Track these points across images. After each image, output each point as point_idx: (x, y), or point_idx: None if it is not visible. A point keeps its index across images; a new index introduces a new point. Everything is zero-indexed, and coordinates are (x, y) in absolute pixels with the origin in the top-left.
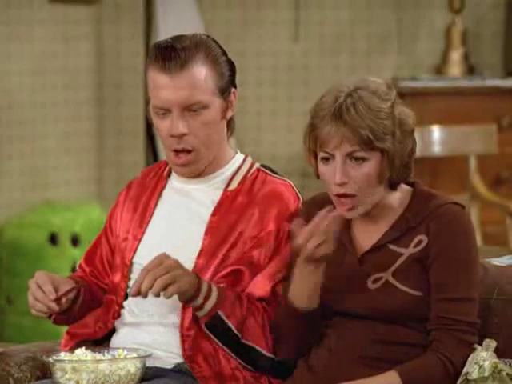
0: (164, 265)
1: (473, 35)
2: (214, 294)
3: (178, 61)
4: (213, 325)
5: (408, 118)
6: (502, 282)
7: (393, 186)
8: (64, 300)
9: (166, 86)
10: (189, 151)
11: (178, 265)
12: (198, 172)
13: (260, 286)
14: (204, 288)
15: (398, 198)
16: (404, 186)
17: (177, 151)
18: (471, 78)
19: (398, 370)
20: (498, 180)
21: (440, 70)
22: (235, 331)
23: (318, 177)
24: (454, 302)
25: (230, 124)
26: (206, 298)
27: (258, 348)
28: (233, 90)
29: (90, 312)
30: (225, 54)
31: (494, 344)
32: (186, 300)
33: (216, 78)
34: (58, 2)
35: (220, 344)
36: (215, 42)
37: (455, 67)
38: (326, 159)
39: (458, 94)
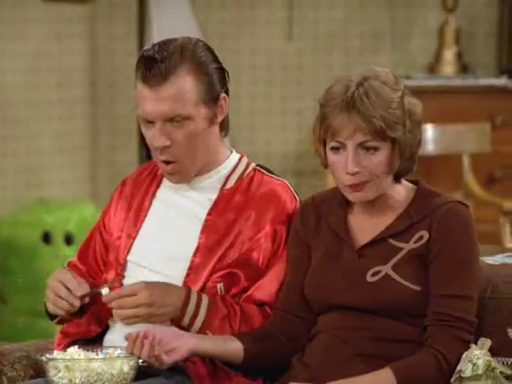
0: (147, 297)
1: (466, 34)
2: (203, 312)
3: (159, 72)
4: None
5: (416, 109)
6: (496, 280)
7: (397, 178)
8: (87, 300)
9: (147, 98)
10: (174, 161)
11: (150, 302)
12: (188, 179)
13: (265, 289)
14: (190, 309)
15: (402, 193)
16: (407, 183)
17: (162, 161)
18: (464, 77)
19: (392, 367)
20: (492, 179)
21: (433, 68)
22: None
23: (325, 167)
24: (452, 299)
25: (224, 124)
26: (193, 317)
27: None
28: (222, 95)
29: None
30: (215, 59)
31: (488, 343)
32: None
33: (201, 87)
34: (52, 1)
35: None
36: (206, 46)
37: (448, 66)
38: (336, 148)
39: (452, 92)
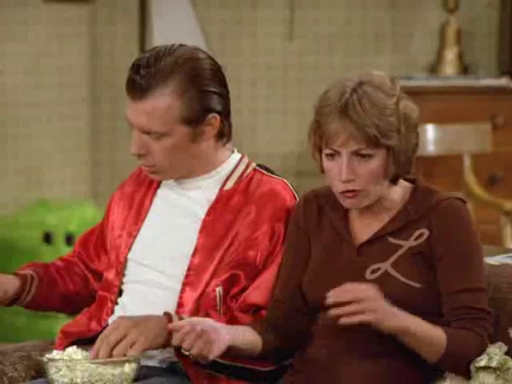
0: (119, 328)
1: (467, 34)
2: None
3: (139, 88)
4: (196, 360)
5: (412, 113)
6: (497, 280)
7: (394, 180)
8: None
9: (129, 107)
10: (151, 166)
11: (135, 323)
12: (172, 179)
13: (261, 291)
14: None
15: (399, 192)
16: (405, 183)
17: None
18: (466, 77)
19: (446, 331)
20: (493, 179)
21: (434, 69)
22: (221, 361)
23: (322, 171)
24: (467, 293)
25: (223, 134)
26: None
27: (252, 367)
28: (211, 115)
29: (56, 297)
30: (215, 80)
31: (505, 348)
32: (159, 347)
33: (183, 106)
34: (53, 2)
35: (212, 372)
36: (211, 65)
37: (450, 66)
38: (331, 155)
39: (453, 93)
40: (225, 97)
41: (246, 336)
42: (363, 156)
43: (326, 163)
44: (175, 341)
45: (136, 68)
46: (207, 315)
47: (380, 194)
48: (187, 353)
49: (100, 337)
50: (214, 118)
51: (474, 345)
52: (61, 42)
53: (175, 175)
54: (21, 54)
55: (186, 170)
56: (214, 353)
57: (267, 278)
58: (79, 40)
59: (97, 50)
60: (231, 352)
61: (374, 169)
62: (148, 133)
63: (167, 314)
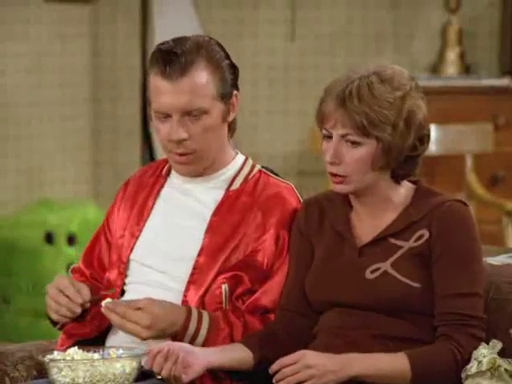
0: (151, 321)
1: (469, 34)
2: (203, 333)
3: (179, 66)
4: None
5: (418, 113)
6: (498, 280)
7: (396, 180)
8: (88, 305)
9: (166, 91)
10: (189, 153)
11: (165, 328)
12: (198, 172)
13: (272, 294)
14: (191, 328)
15: (403, 193)
16: (407, 184)
17: (177, 153)
18: (467, 78)
19: (408, 353)
20: (494, 179)
21: (436, 69)
22: None
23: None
24: (460, 298)
25: (232, 125)
26: (193, 337)
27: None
28: (234, 92)
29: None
30: (227, 57)
31: (499, 345)
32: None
33: (217, 82)
34: (54, 1)
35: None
36: (219, 44)
37: (451, 66)
38: (327, 137)
39: (454, 93)
40: (235, 73)
41: (233, 355)
42: (352, 142)
43: (323, 144)
44: (145, 364)
45: (165, 53)
46: (215, 314)
47: (368, 184)
48: (159, 376)
49: (129, 302)
50: (236, 96)
51: (445, 356)
52: (62, 42)
53: (203, 164)
54: (22, 53)
55: (211, 159)
56: (190, 376)
57: (277, 282)
58: (81, 39)
59: (98, 49)
60: (217, 371)
61: (360, 157)
62: (189, 113)
63: (187, 308)
